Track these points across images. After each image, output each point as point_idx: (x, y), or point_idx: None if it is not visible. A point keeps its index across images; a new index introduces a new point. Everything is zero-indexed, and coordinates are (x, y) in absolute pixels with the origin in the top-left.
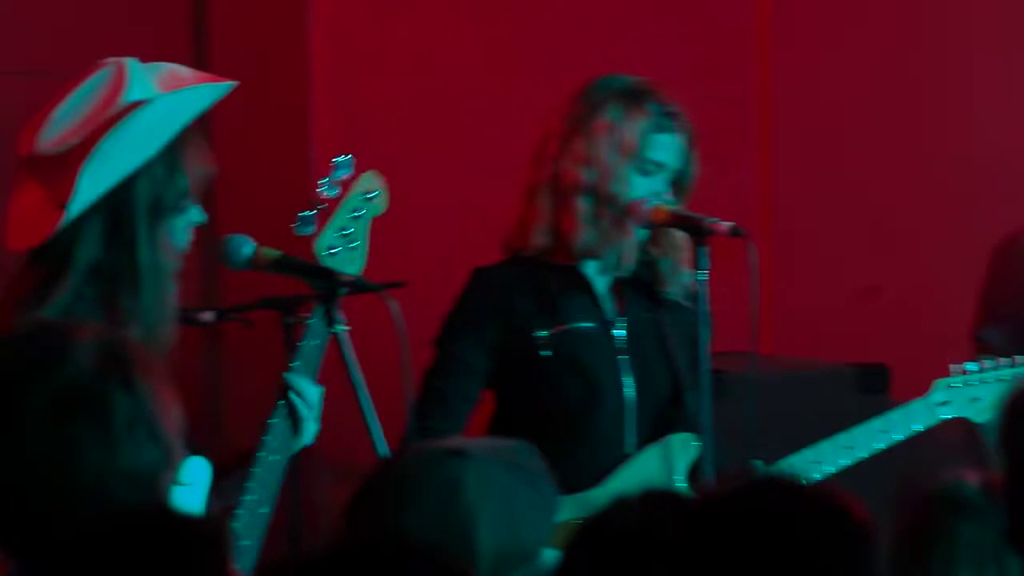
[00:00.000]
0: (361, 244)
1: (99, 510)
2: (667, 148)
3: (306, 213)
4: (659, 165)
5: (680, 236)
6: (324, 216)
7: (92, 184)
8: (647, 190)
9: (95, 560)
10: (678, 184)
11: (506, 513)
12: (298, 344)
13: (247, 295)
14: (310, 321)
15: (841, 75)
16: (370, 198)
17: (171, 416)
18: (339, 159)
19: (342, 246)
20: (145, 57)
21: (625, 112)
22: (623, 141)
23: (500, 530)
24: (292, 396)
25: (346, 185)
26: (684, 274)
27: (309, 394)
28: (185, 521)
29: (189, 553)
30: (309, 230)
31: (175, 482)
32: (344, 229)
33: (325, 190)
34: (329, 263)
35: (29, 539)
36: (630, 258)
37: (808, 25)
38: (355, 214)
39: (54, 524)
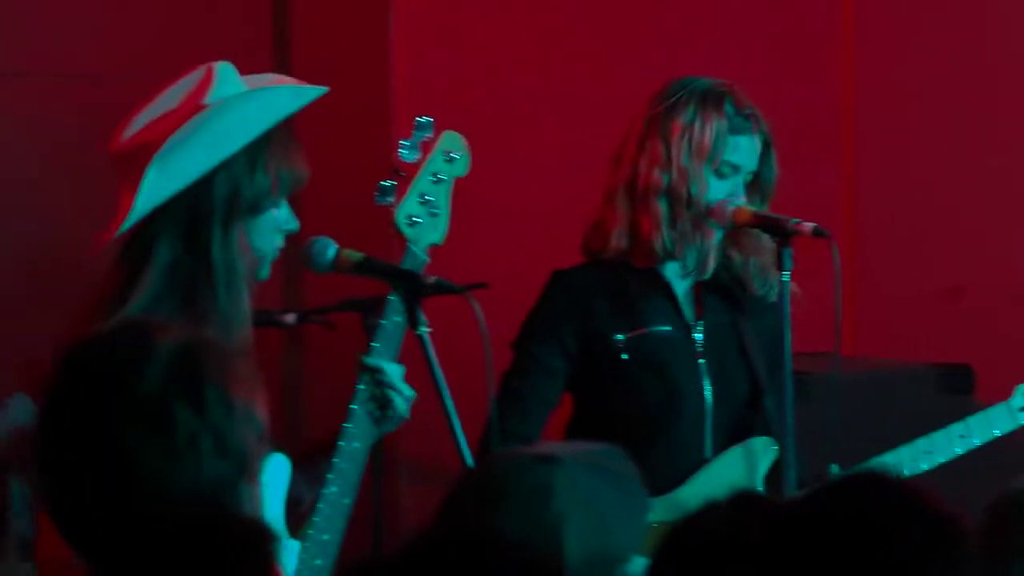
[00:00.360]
0: (443, 211)
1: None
2: (743, 150)
3: (385, 182)
4: (735, 167)
5: (767, 237)
6: (404, 184)
7: (161, 180)
8: (724, 192)
9: (140, 562)
10: (759, 188)
11: (595, 519)
12: (379, 323)
13: (328, 297)
14: (389, 297)
15: (923, 76)
16: (452, 159)
17: (249, 424)
18: (420, 119)
19: (423, 215)
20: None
21: (701, 114)
22: (699, 143)
23: (589, 536)
24: (376, 380)
25: (426, 148)
26: (772, 275)
27: (392, 374)
28: (231, 522)
29: (234, 555)
30: (389, 200)
31: (254, 491)
32: (425, 195)
33: (405, 153)
34: (409, 233)
35: (101, 544)
36: (711, 262)
37: (890, 26)
38: (436, 178)
39: (122, 531)
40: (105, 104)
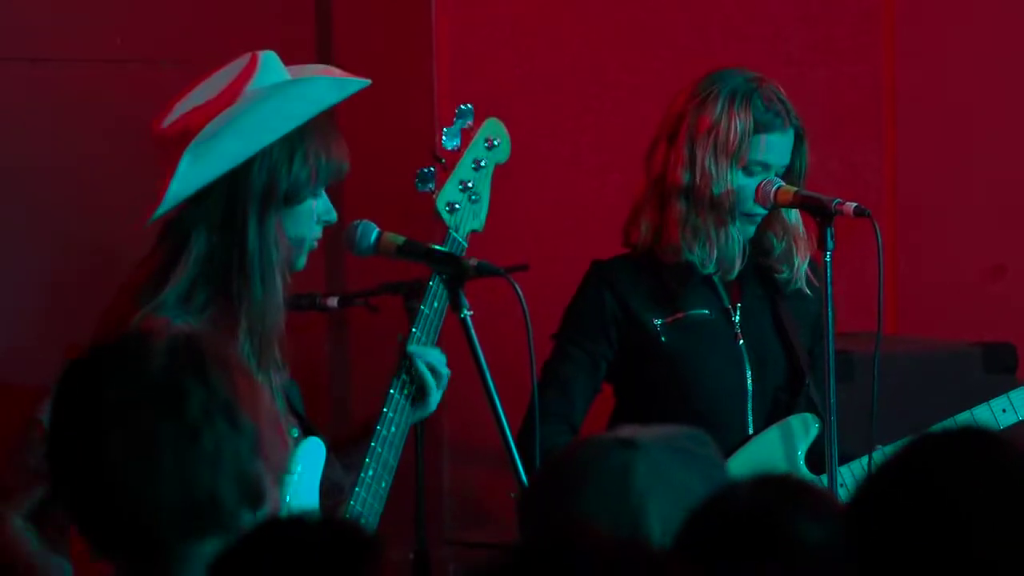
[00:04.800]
0: (483, 198)
1: (186, 501)
2: (771, 148)
3: (425, 169)
4: (764, 165)
5: (795, 218)
6: (443, 171)
7: (195, 169)
8: (751, 192)
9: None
10: (789, 178)
11: (677, 500)
12: (418, 308)
13: (371, 280)
14: (429, 284)
15: (966, 54)
16: (493, 146)
17: (254, 405)
18: (461, 107)
19: (464, 201)
20: (269, 47)
21: (727, 113)
22: (724, 143)
23: (671, 517)
24: (420, 366)
25: (467, 135)
26: (798, 259)
27: (432, 359)
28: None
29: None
30: (430, 187)
31: (278, 469)
32: (466, 182)
33: (446, 140)
34: (450, 220)
35: (122, 539)
36: (736, 262)
37: (933, 5)
38: (477, 165)
39: (143, 520)
40: (146, 90)
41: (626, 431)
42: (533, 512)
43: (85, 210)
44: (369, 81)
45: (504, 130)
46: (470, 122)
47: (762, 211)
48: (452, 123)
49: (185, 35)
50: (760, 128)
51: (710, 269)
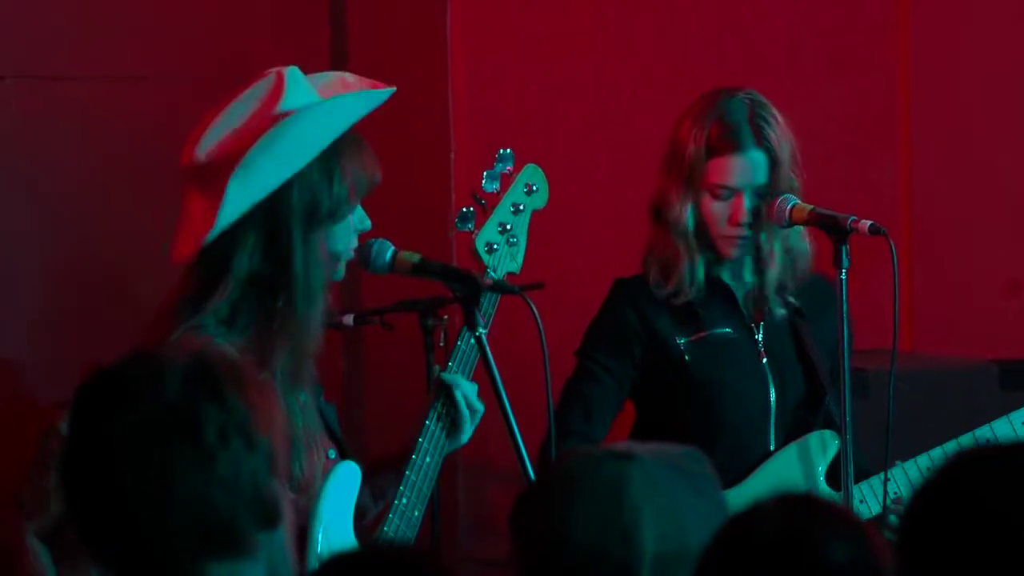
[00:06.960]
0: (521, 241)
1: (202, 526)
2: (730, 171)
3: (466, 209)
4: (729, 188)
5: (804, 247)
6: (483, 212)
7: (242, 193)
8: (723, 214)
9: None
10: (767, 198)
11: (670, 514)
12: (456, 344)
13: (385, 298)
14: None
15: (982, 67)
16: (532, 192)
17: (270, 423)
18: (502, 152)
19: (502, 243)
20: (285, 61)
21: (686, 135)
22: (679, 165)
23: (664, 531)
24: (457, 396)
25: (505, 179)
26: (789, 289)
27: (466, 392)
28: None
29: None
30: (469, 226)
31: (286, 486)
32: (505, 224)
33: (486, 183)
34: (488, 260)
35: (136, 563)
36: (692, 287)
37: (947, 18)
38: (516, 208)
39: (158, 545)
40: (163, 106)
41: (621, 445)
42: (524, 523)
43: (102, 226)
44: (394, 89)
45: (543, 177)
46: (510, 167)
47: (746, 233)
48: (494, 164)
49: (201, 50)
50: (714, 152)
51: (672, 290)
